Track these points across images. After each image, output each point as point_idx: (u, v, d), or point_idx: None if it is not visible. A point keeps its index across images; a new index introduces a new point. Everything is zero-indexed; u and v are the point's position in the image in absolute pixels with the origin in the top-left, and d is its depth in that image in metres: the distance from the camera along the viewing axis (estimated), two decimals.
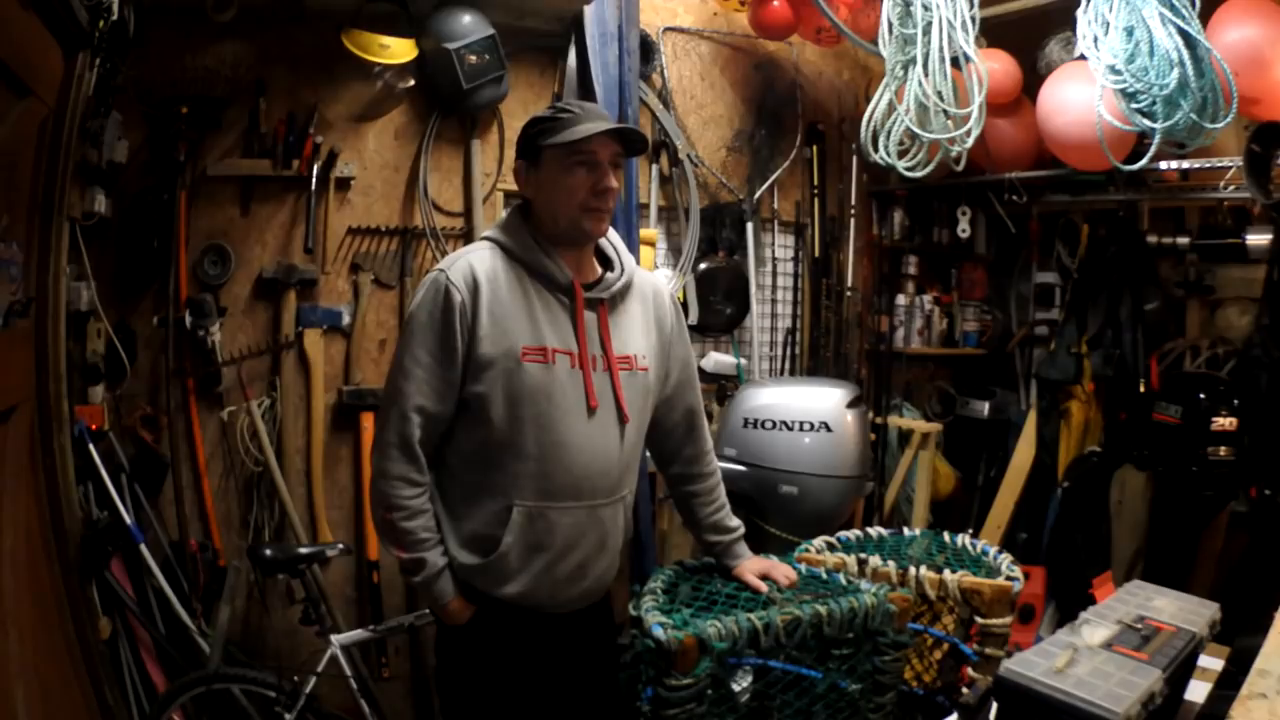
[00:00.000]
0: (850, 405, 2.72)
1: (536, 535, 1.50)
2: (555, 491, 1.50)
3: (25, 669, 1.67)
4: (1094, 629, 1.23)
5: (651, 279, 1.73)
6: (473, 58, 2.50)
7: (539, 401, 1.48)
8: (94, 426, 2.17)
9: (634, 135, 1.55)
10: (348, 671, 2.13)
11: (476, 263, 1.50)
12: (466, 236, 2.71)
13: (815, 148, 3.42)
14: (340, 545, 2.25)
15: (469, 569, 1.52)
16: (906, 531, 2.17)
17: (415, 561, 1.50)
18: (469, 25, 2.50)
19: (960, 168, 2.60)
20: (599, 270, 1.62)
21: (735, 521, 1.79)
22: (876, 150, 2.60)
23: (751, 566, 1.74)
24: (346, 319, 2.60)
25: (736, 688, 1.68)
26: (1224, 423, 2.83)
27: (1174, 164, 2.80)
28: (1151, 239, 3.33)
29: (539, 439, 1.49)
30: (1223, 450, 2.83)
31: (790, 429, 2.69)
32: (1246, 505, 2.91)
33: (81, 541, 2.02)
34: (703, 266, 3.10)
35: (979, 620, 1.77)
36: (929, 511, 3.42)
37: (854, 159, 3.48)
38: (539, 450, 1.49)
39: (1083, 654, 1.14)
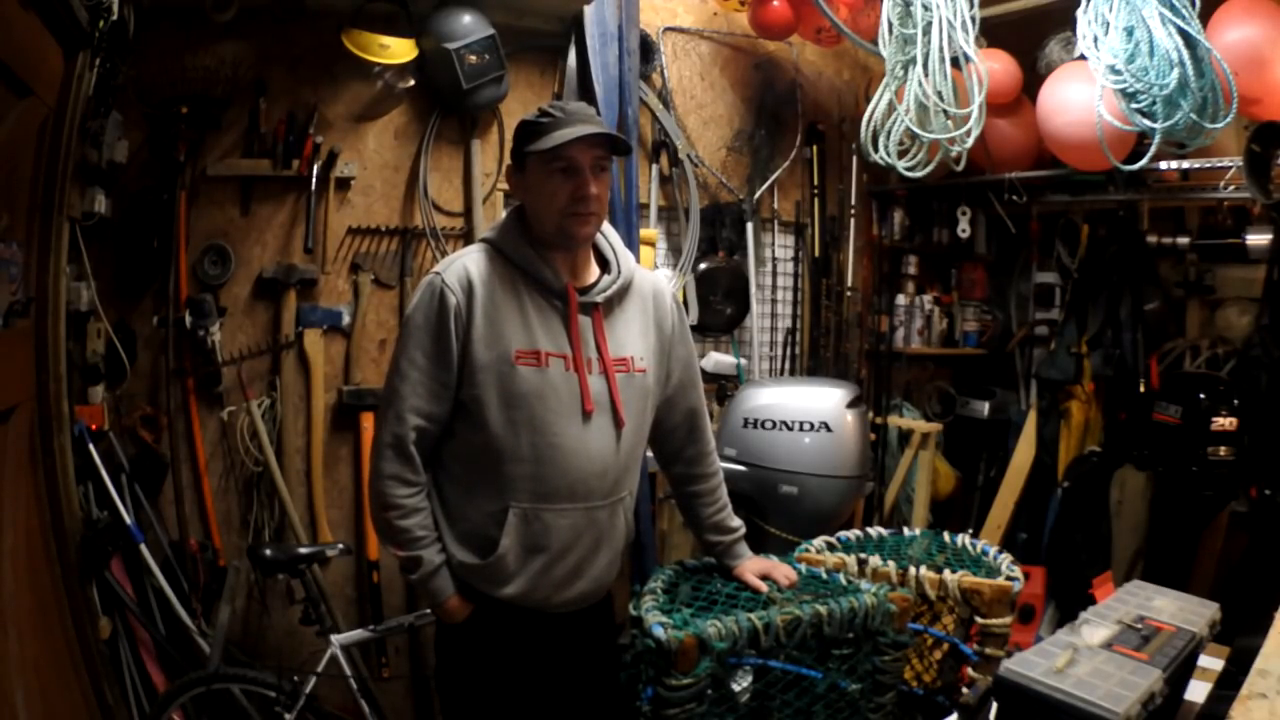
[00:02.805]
0: (850, 405, 2.72)
1: (533, 537, 1.51)
2: (550, 494, 1.50)
3: (25, 669, 1.67)
4: (1094, 629, 1.23)
5: (652, 279, 1.72)
6: (473, 58, 2.50)
7: (532, 404, 1.48)
8: (94, 426, 2.17)
9: (613, 138, 1.54)
10: (348, 671, 2.13)
11: (471, 265, 1.51)
12: (466, 236, 2.71)
13: (815, 148, 3.42)
14: (340, 545, 2.25)
15: (468, 568, 1.52)
16: (906, 531, 2.17)
17: (412, 559, 1.51)
18: (469, 25, 2.50)
19: (960, 168, 2.60)
20: (597, 272, 1.62)
21: (736, 522, 1.79)
22: (876, 150, 2.60)
23: (752, 566, 1.74)
24: (346, 319, 2.60)
25: (736, 688, 1.68)
26: (1224, 423, 2.83)
27: (1174, 164, 2.80)
28: (1151, 239, 3.33)
29: (533, 442, 1.49)
30: (1223, 450, 2.83)
31: (790, 429, 2.69)
32: (1246, 505, 2.91)
33: (81, 541, 2.02)
34: (703, 266, 3.10)
35: (979, 620, 1.77)
36: (929, 511, 3.43)
37: (854, 159, 3.48)
38: (534, 453, 1.49)
39: (1083, 654, 1.14)
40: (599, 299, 1.57)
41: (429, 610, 1.73)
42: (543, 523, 1.51)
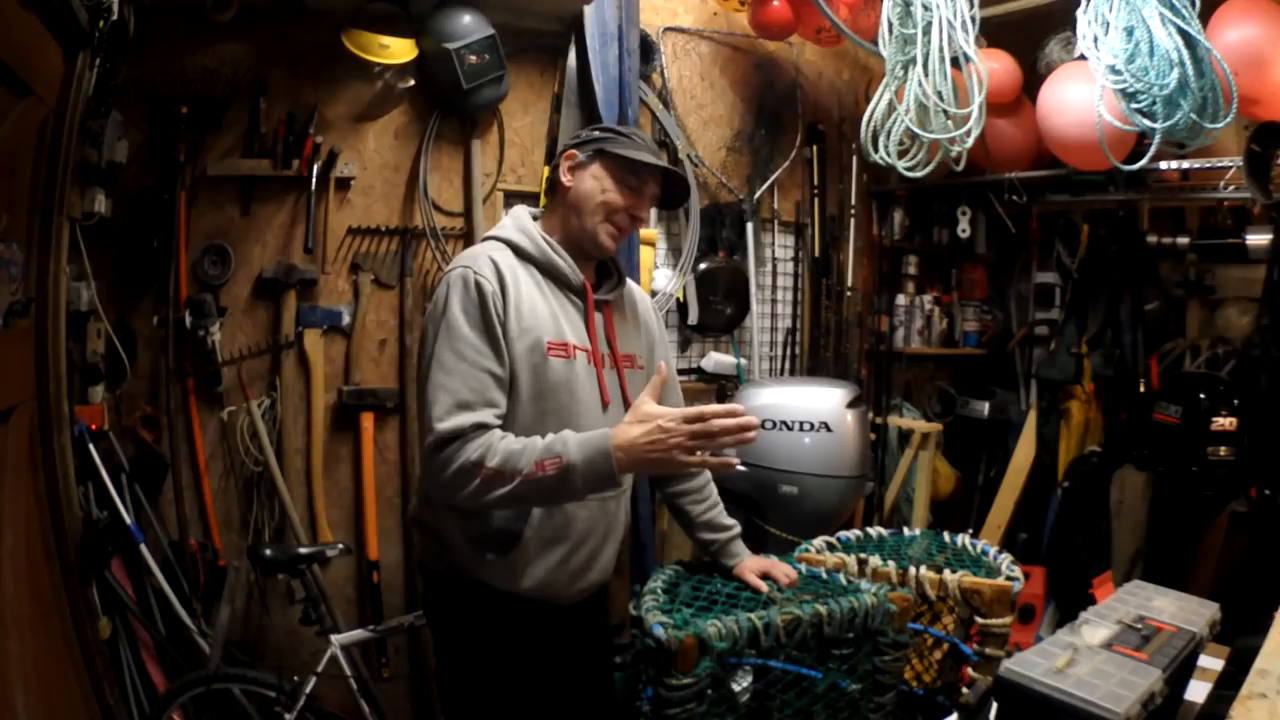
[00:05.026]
0: (850, 405, 2.72)
1: (554, 528, 1.52)
2: None
3: (25, 669, 1.67)
4: (1094, 629, 1.23)
5: (635, 286, 1.79)
6: (473, 58, 2.50)
7: (561, 395, 1.50)
8: (94, 426, 2.17)
9: (681, 187, 1.64)
10: (348, 671, 2.14)
11: (498, 259, 1.50)
12: (466, 236, 2.71)
13: (815, 148, 3.42)
14: (340, 545, 2.25)
15: (486, 566, 1.51)
16: (906, 531, 2.17)
17: (547, 468, 1.32)
18: (469, 25, 2.50)
19: (960, 168, 2.60)
20: (596, 277, 1.66)
21: (730, 520, 1.81)
22: (876, 150, 2.60)
23: (752, 565, 1.75)
24: (346, 319, 2.60)
25: (736, 687, 1.68)
26: (1224, 423, 2.83)
27: (1174, 164, 2.81)
28: (1151, 239, 3.33)
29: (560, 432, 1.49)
30: (1223, 450, 2.83)
31: (790, 429, 2.69)
32: (1246, 505, 2.91)
33: (81, 541, 2.02)
34: (703, 266, 3.10)
35: (979, 620, 1.77)
36: (929, 511, 3.43)
37: (854, 159, 3.48)
38: None
39: (1083, 654, 1.14)
40: (610, 297, 1.62)
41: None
42: (565, 514, 1.52)
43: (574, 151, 1.58)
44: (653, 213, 3.03)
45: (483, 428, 1.37)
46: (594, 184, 1.55)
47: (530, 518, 1.49)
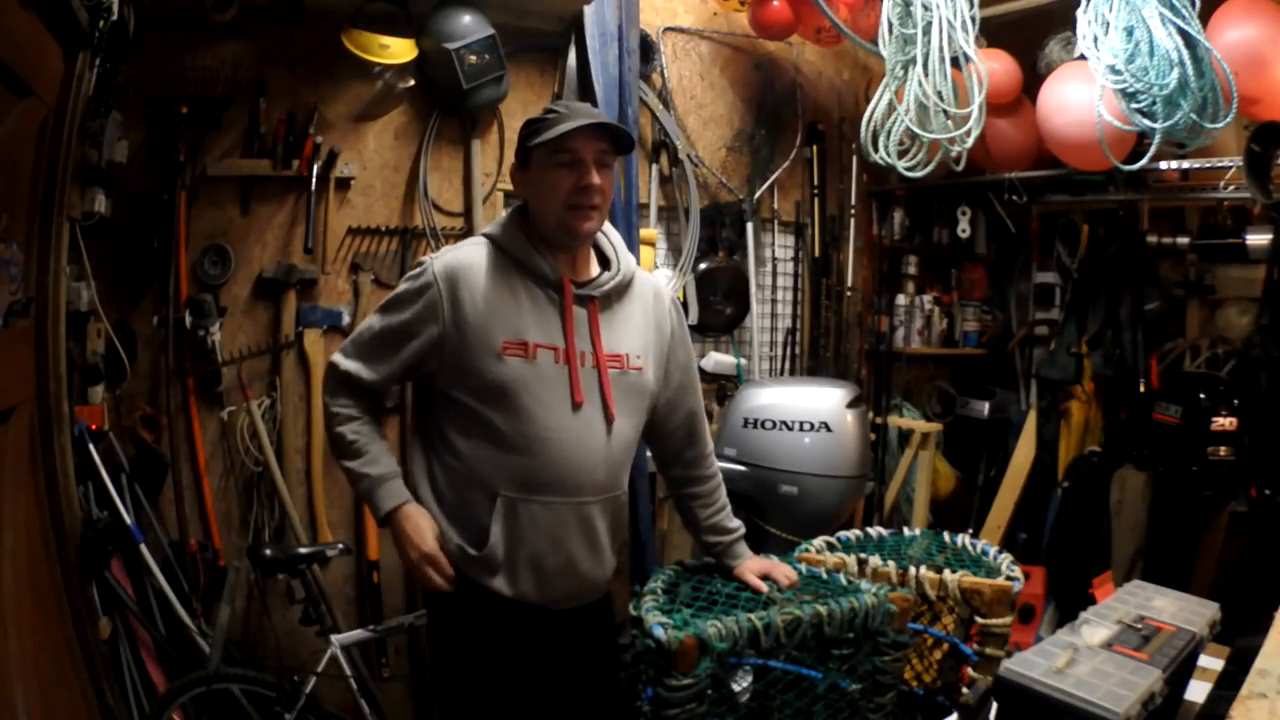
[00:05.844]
0: (850, 405, 2.72)
1: (520, 527, 1.50)
2: (537, 485, 1.50)
3: (25, 669, 1.67)
4: (1094, 629, 1.23)
5: (653, 281, 1.73)
6: (473, 58, 2.50)
7: (519, 394, 1.48)
8: (94, 426, 2.17)
9: (616, 131, 1.55)
10: (348, 671, 2.14)
11: (464, 257, 1.53)
12: (466, 236, 2.71)
13: (815, 148, 3.42)
14: (340, 545, 2.25)
15: (467, 559, 1.52)
16: (906, 531, 2.17)
17: (352, 472, 1.57)
18: (469, 25, 2.50)
19: (960, 168, 2.60)
20: (597, 269, 1.62)
21: (735, 523, 1.79)
22: (876, 150, 2.60)
23: (752, 566, 1.74)
24: (346, 319, 2.60)
25: (736, 688, 1.68)
26: (1224, 423, 2.83)
27: (1174, 164, 2.81)
28: (1151, 239, 3.33)
29: (521, 431, 1.49)
30: (1223, 450, 2.83)
31: (790, 429, 2.69)
32: (1246, 505, 2.91)
33: (81, 541, 2.02)
34: (703, 266, 3.10)
35: (979, 620, 1.77)
36: (929, 511, 3.43)
37: (854, 159, 3.48)
38: (522, 443, 1.49)
39: (1083, 654, 1.14)
40: (596, 293, 1.57)
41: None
42: (530, 514, 1.50)
43: (514, 163, 1.62)
44: (652, 213, 3.04)
45: (367, 391, 1.60)
46: (536, 181, 1.54)
47: (495, 512, 1.49)
